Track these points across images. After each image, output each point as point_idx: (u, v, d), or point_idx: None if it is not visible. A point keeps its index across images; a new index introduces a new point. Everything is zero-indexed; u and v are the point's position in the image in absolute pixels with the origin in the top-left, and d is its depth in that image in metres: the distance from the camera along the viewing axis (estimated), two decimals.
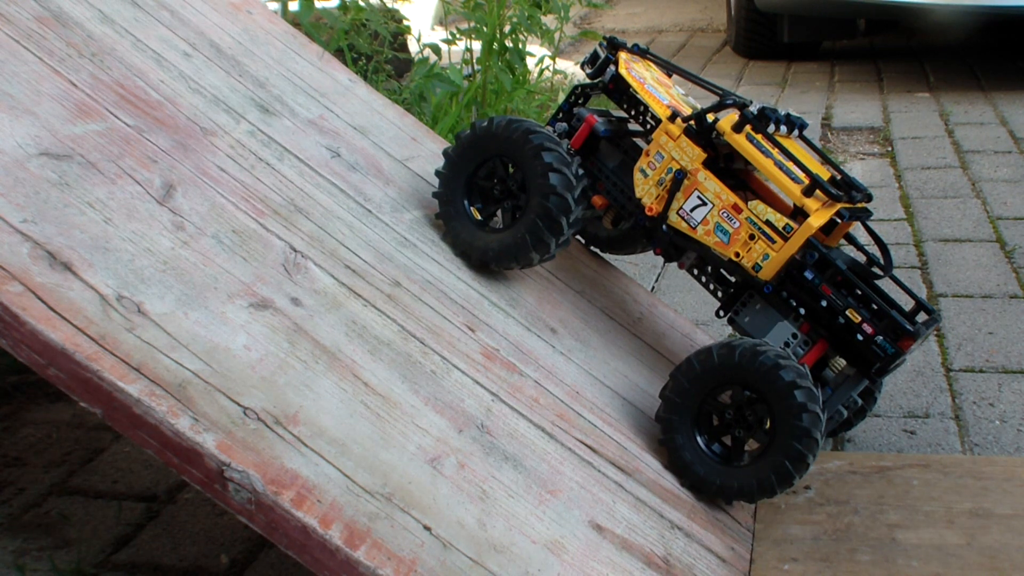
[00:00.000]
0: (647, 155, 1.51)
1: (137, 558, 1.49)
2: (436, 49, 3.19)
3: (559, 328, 1.60)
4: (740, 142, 1.45)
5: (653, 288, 2.47)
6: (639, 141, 1.61)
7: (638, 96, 1.55)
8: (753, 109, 1.46)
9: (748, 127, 1.45)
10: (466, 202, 1.56)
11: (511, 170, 1.53)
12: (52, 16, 1.44)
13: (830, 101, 4.37)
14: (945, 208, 2.94)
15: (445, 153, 1.57)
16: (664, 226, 1.51)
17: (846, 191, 1.48)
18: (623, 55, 1.61)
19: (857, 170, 3.40)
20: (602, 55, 1.60)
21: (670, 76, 1.73)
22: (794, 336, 1.48)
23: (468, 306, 1.49)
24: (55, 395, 1.93)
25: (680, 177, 1.48)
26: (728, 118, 1.46)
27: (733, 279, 1.55)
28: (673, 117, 1.49)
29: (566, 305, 1.67)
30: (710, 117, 1.47)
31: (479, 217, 1.56)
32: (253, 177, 1.43)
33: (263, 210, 1.37)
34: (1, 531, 1.55)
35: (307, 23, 2.78)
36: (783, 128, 1.51)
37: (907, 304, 1.55)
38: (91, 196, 1.19)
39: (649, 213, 1.51)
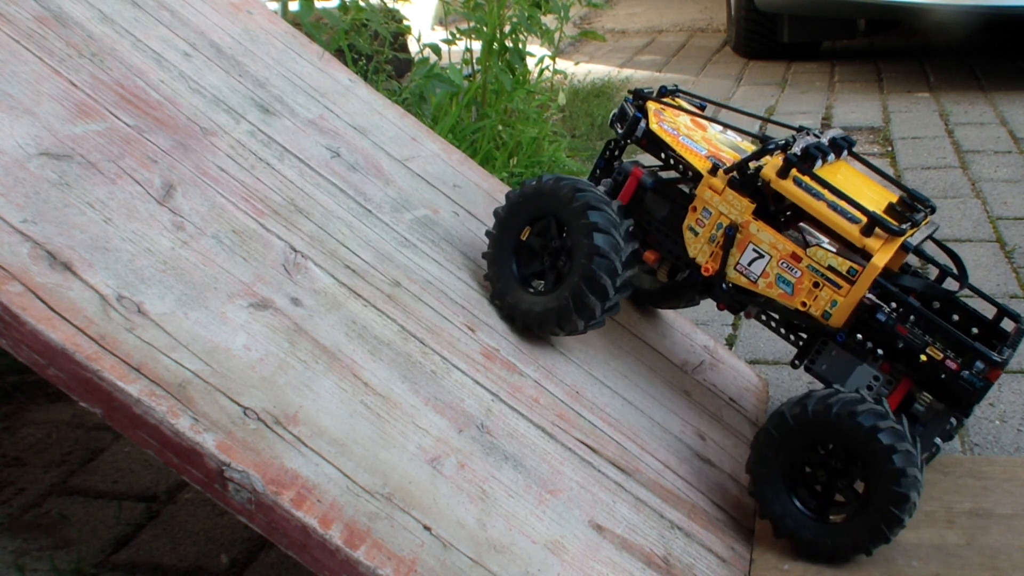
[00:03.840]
0: (694, 211, 1.44)
1: (137, 558, 1.49)
2: (436, 49, 3.19)
3: None
4: (788, 188, 1.38)
5: None
6: (686, 187, 1.54)
7: (673, 151, 1.49)
8: (796, 149, 1.40)
9: (794, 170, 1.38)
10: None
11: (559, 230, 1.46)
12: (52, 16, 1.44)
13: (830, 101, 4.37)
14: (945, 208, 2.94)
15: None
16: (723, 284, 1.44)
17: (907, 213, 1.39)
18: (652, 106, 1.55)
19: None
20: (630, 111, 1.54)
21: (702, 108, 1.65)
22: (876, 379, 1.41)
23: (468, 306, 1.49)
24: (55, 395, 1.93)
25: (732, 232, 1.41)
26: (772, 164, 1.39)
27: (803, 328, 1.48)
28: (714, 170, 1.43)
29: None
30: (752, 166, 1.40)
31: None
32: (253, 177, 1.43)
33: (263, 210, 1.37)
34: (1, 531, 1.55)
35: (307, 23, 2.78)
36: (831, 157, 1.44)
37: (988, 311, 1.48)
38: (91, 196, 1.19)
39: (706, 273, 1.45)
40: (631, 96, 1.56)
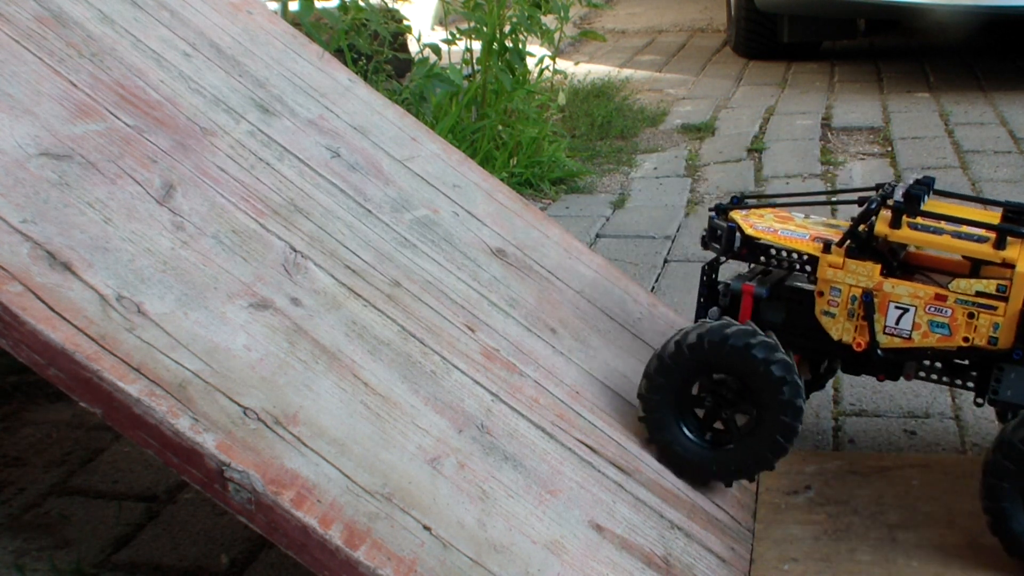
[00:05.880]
0: (821, 296, 1.43)
1: (137, 558, 1.49)
2: (436, 49, 3.19)
3: (559, 328, 1.60)
4: (907, 236, 1.38)
5: (653, 288, 2.46)
6: (795, 283, 1.52)
7: (778, 247, 1.48)
8: (898, 197, 1.39)
9: (904, 218, 1.38)
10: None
11: (734, 382, 1.43)
12: (52, 16, 1.44)
13: (830, 101, 4.37)
14: None
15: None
16: (878, 351, 1.42)
17: (1022, 218, 1.39)
18: (736, 215, 1.54)
19: (857, 170, 3.40)
20: (723, 226, 1.52)
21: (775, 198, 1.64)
22: None
23: (468, 306, 1.49)
24: (55, 395, 1.93)
25: (869, 299, 1.40)
26: (882, 219, 1.39)
27: (970, 364, 1.46)
28: (828, 247, 1.42)
29: (566, 305, 1.67)
30: (862, 229, 1.40)
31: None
32: (253, 177, 1.43)
33: (263, 210, 1.37)
34: (1, 531, 1.55)
35: (307, 23, 2.78)
36: (928, 195, 1.44)
37: None
38: (91, 196, 1.19)
39: (859, 348, 1.43)
40: (714, 212, 1.55)
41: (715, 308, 1.54)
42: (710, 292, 1.57)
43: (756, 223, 1.52)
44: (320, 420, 1.12)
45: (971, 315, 1.36)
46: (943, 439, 1.77)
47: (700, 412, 1.45)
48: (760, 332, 1.38)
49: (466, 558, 1.09)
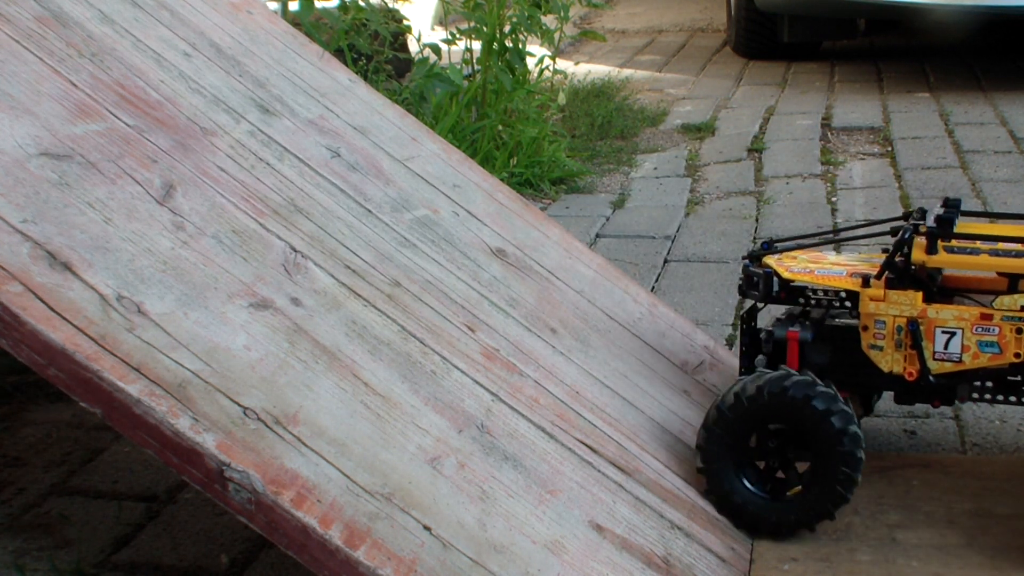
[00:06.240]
0: (866, 330, 1.43)
1: (137, 558, 1.48)
2: (436, 49, 3.20)
3: (559, 328, 1.60)
4: (946, 260, 1.39)
5: (653, 288, 2.46)
6: (836, 321, 1.52)
7: (817, 287, 1.48)
8: (930, 222, 1.40)
9: (940, 242, 1.38)
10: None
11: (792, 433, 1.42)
12: (52, 16, 1.44)
13: (830, 101, 4.37)
14: None
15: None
16: (930, 378, 1.42)
17: None
18: (770, 261, 1.54)
19: (857, 170, 3.40)
20: (760, 273, 1.51)
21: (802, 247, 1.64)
22: None
23: (468, 306, 1.49)
24: (55, 395, 1.93)
25: (915, 327, 1.39)
26: (917, 247, 1.39)
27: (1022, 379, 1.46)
28: (867, 281, 1.42)
29: (566, 305, 1.67)
30: (899, 259, 1.40)
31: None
32: (253, 177, 1.43)
33: (263, 210, 1.37)
34: (1, 531, 1.55)
35: (307, 23, 2.78)
36: (959, 217, 1.44)
37: None
38: (91, 196, 1.19)
39: (911, 378, 1.42)
40: (747, 260, 1.55)
41: (761, 356, 1.52)
42: (752, 340, 1.56)
43: (791, 266, 1.52)
44: (320, 420, 1.12)
45: (1019, 330, 1.36)
46: (943, 439, 1.77)
47: (751, 458, 1.43)
48: (820, 382, 1.37)
49: (466, 558, 1.09)
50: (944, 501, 1.50)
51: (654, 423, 1.54)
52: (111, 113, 1.35)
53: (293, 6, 2.85)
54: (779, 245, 1.60)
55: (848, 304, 1.47)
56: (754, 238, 2.80)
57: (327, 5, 2.99)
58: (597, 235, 2.88)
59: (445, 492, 1.15)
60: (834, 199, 3.12)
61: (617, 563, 1.24)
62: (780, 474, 1.42)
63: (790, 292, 1.51)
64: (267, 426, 1.07)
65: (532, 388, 1.42)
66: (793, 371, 1.39)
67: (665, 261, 2.65)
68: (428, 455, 1.18)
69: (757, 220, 2.96)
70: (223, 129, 1.48)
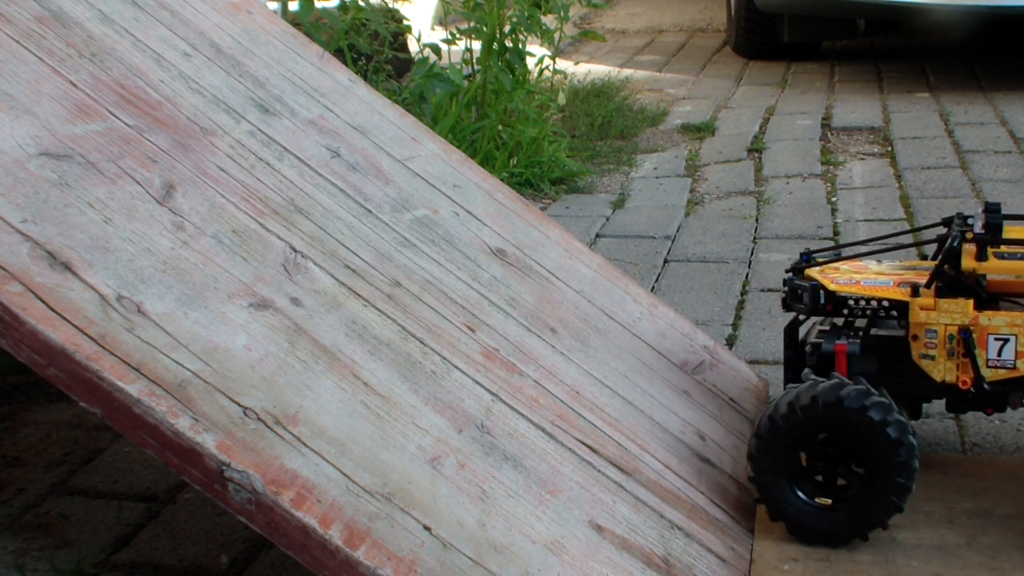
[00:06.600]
0: (916, 340, 1.42)
1: (137, 558, 1.49)
2: (436, 49, 3.20)
3: (559, 328, 1.60)
4: (997, 267, 1.38)
5: (653, 288, 2.47)
6: (880, 331, 1.51)
7: (865, 297, 1.46)
8: (977, 229, 1.39)
9: (989, 248, 1.38)
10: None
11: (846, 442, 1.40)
12: (52, 16, 1.44)
13: (830, 101, 4.37)
14: (945, 208, 2.94)
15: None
16: (984, 386, 1.41)
17: None
18: (814, 274, 1.52)
19: (857, 170, 3.40)
20: (805, 285, 1.50)
21: (839, 257, 1.63)
22: None
23: (468, 306, 1.49)
24: (55, 395, 1.93)
25: (967, 335, 1.39)
26: (967, 253, 1.39)
27: None
28: (916, 291, 1.41)
29: (566, 305, 1.67)
30: (948, 269, 1.39)
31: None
32: (253, 177, 1.43)
33: (263, 210, 1.37)
34: (1, 531, 1.55)
35: (307, 23, 2.79)
36: (1006, 222, 1.44)
37: None
38: (91, 196, 1.19)
39: (964, 387, 1.42)
40: (792, 273, 1.54)
41: (807, 369, 1.50)
42: (796, 353, 1.55)
43: (837, 278, 1.51)
44: (320, 420, 1.12)
45: None
46: (943, 439, 1.77)
47: (803, 467, 1.42)
48: (874, 392, 1.35)
49: (466, 558, 1.09)
50: (944, 501, 1.50)
51: (654, 423, 1.54)
52: (111, 113, 1.35)
53: (293, 6, 2.85)
54: (818, 256, 1.58)
55: (894, 314, 1.45)
56: (754, 238, 2.80)
57: (327, 5, 2.99)
58: (597, 235, 2.88)
59: (445, 492, 1.15)
60: (834, 199, 3.12)
61: (617, 563, 1.24)
62: (833, 482, 1.40)
63: (836, 304, 1.49)
64: (267, 426, 1.07)
65: (532, 388, 1.42)
66: (847, 380, 1.37)
67: (665, 261, 2.65)
68: (428, 455, 1.18)
69: (757, 220, 2.96)
70: (223, 129, 1.48)
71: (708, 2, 7.37)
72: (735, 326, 2.25)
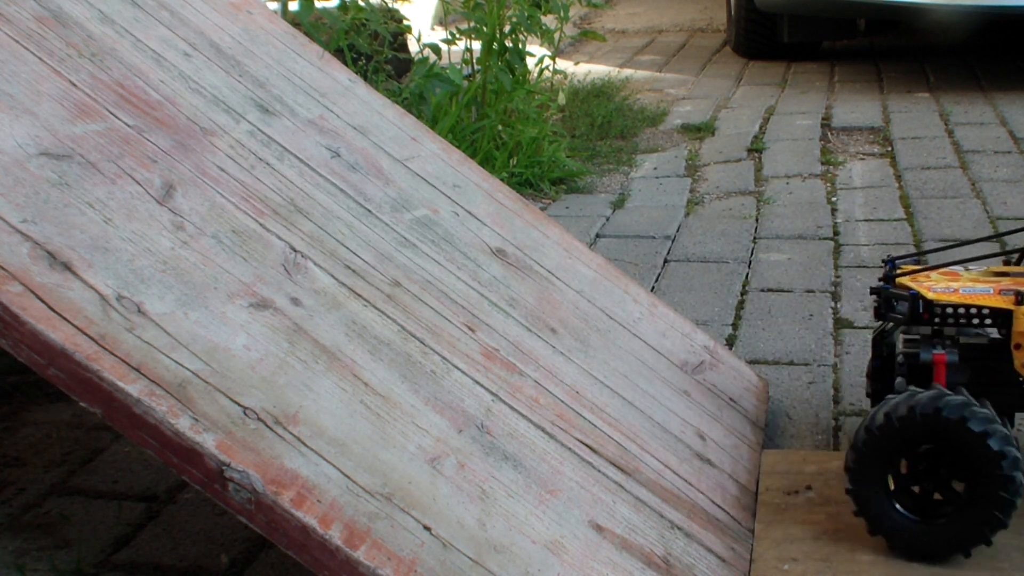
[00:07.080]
0: (1019, 349, 1.38)
1: (137, 558, 1.49)
2: (436, 49, 3.20)
3: (559, 328, 1.60)
4: None
5: (653, 288, 2.47)
6: (972, 340, 1.48)
7: (965, 306, 1.43)
8: None
9: None
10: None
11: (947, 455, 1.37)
12: (52, 16, 1.44)
13: (830, 101, 4.37)
14: (945, 208, 2.94)
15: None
16: None
17: None
18: (909, 283, 1.48)
19: (857, 170, 3.40)
20: (903, 294, 1.46)
21: (919, 262, 1.61)
22: None
23: (468, 306, 1.49)
24: (55, 395, 1.93)
25: None
26: None
27: None
28: (1020, 299, 1.38)
29: (566, 305, 1.67)
30: None
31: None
32: (253, 177, 1.43)
33: (263, 210, 1.37)
34: (1, 531, 1.55)
35: (307, 23, 2.79)
36: None
37: None
38: (91, 196, 1.19)
39: None
40: (883, 282, 1.50)
41: (901, 379, 1.46)
42: (886, 362, 1.53)
43: (933, 286, 1.47)
44: (320, 420, 1.12)
45: None
46: None
47: (902, 479, 1.39)
48: (975, 402, 1.32)
49: (466, 558, 1.09)
50: None
51: (654, 423, 1.54)
52: (111, 113, 1.35)
53: (293, 6, 2.85)
54: (899, 262, 1.56)
55: (989, 322, 1.42)
56: (754, 238, 2.80)
57: (327, 5, 2.99)
58: (597, 235, 2.88)
59: (445, 492, 1.15)
60: (834, 199, 3.12)
61: (617, 563, 1.24)
62: (930, 496, 1.38)
63: (932, 312, 1.45)
64: (267, 426, 1.07)
65: (532, 388, 1.42)
66: (947, 390, 1.33)
67: (665, 261, 2.65)
68: (428, 455, 1.18)
69: (757, 220, 2.96)
70: (223, 129, 1.48)
71: (708, 2, 7.37)
72: (735, 326, 2.25)
